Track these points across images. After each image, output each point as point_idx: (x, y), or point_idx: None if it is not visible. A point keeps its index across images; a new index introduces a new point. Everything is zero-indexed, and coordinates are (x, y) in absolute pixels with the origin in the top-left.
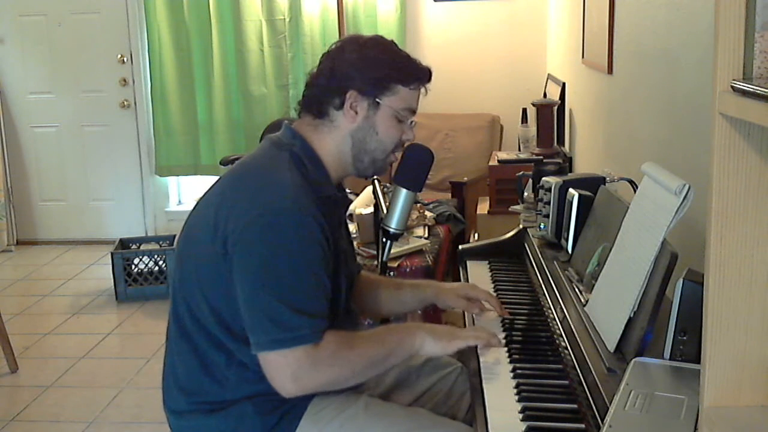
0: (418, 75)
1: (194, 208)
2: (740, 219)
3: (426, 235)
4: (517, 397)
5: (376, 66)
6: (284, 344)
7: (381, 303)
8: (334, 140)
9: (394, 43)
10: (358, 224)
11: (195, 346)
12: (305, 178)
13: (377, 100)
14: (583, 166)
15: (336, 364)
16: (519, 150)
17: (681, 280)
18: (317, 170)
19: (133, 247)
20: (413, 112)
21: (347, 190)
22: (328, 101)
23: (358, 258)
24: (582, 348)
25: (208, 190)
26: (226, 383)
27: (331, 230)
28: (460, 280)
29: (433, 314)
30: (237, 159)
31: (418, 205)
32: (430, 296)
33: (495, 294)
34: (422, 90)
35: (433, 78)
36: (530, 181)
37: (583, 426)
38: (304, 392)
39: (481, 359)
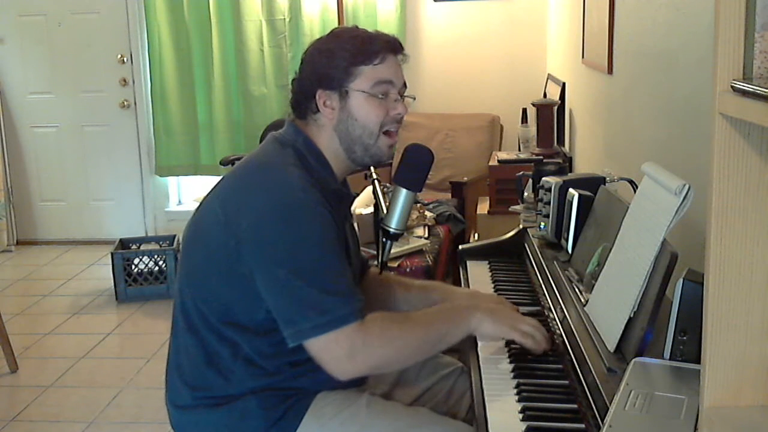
0: (374, 48)
1: (200, 204)
2: (740, 219)
3: (426, 235)
4: (517, 397)
5: (331, 57)
6: (327, 328)
7: (390, 302)
8: (325, 138)
9: (352, 28)
10: (358, 224)
11: (201, 340)
12: (310, 173)
13: (344, 89)
14: (583, 166)
15: (388, 343)
16: (519, 150)
17: (681, 280)
18: (321, 166)
19: (133, 247)
20: (391, 83)
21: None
22: (306, 106)
23: None
24: (582, 348)
25: (214, 187)
26: (231, 377)
27: (339, 225)
28: (460, 280)
29: None
30: (237, 159)
31: (418, 205)
32: (438, 300)
33: (495, 294)
34: (397, 59)
35: (432, 78)
36: (530, 181)
37: (583, 426)
38: (361, 373)
39: (481, 359)
